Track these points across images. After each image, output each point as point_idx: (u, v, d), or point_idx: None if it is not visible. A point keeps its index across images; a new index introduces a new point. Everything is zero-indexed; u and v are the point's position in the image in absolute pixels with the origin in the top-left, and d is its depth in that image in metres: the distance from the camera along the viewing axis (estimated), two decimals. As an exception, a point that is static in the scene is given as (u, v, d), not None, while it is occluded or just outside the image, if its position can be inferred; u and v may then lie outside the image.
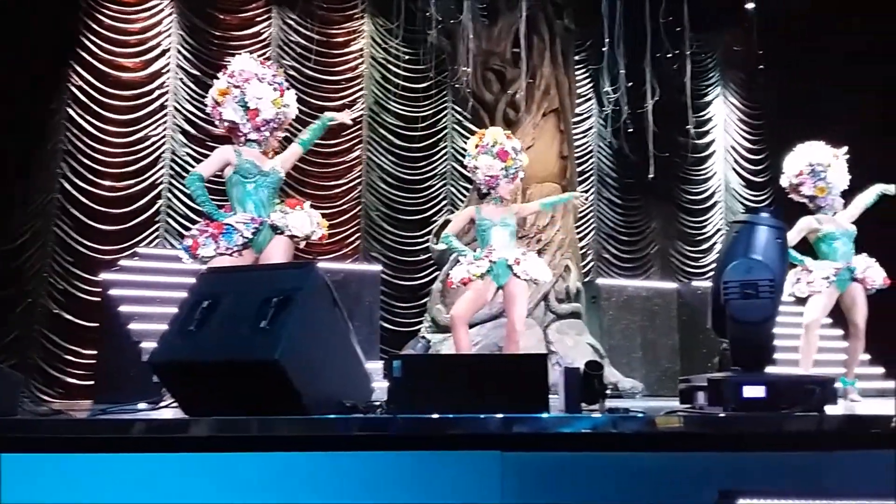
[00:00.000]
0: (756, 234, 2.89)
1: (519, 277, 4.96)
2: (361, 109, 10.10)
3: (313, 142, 4.66)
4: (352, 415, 2.55)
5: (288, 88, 4.46)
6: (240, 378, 2.63)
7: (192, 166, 8.85)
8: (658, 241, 11.57)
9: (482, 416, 2.45)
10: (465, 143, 5.88)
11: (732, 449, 2.55)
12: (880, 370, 8.05)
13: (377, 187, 10.14)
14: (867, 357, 7.67)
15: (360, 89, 10.17)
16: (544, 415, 2.56)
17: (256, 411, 2.48)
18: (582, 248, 10.42)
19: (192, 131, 9.24)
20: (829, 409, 2.75)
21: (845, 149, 5.71)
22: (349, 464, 2.38)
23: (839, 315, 8.72)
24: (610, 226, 11.34)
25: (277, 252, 4.20)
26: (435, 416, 2.48)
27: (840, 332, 8.97)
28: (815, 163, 5.54)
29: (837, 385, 4.99)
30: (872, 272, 5.47)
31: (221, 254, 4.12)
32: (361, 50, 10.25)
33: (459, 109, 10.14)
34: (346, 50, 10.22)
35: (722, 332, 2.92)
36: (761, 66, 10.84)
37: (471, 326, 7.37)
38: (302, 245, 4.34)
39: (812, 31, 10.24)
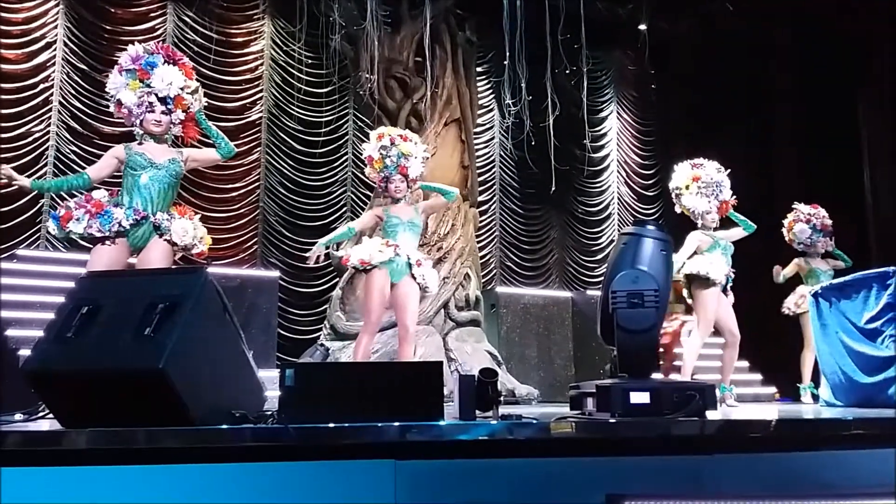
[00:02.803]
0: (642, 246, 3.00)
1: (414, 279, 4.95)
2: (260, 112, 9.90)
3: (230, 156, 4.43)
4: (241, 425, 2.48)
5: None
6: (122, 388, 2.52)
7: (79, 165, 8.47)
8: (557, 250, 11.86)
9: (377, 424, 2.43)
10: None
11: (619, 453, 2.63)
12: (758, 377, 8.51)
13: (276, 192, 9.95)
14: (746, 364, 8.11)
15: (260, 91, 9.97)
16: (439, 422, 2.57)
17: (141, 422, 2.38)
18: (484, 256, 10.57)
19: (79, 128, 8.81)
20: (710, 415, 2.87)
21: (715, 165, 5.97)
22: (240, 476, 2.32)
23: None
24: (511, 235, 11.54)
25: (156, 254, 4.00)
26: (329, 425, 2.44)
27: (722, 339, 9.48)
28: (704, 178, 5.81)
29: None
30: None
31: (91, 234, 3.92)
32: (261, 51, 10.05)
33: (361, 116, 10.10)
34: (246, 51, 10.00)
35: (610, 340, 3.02)
36: (653, 86, 11.32)
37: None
38: (177, 256, 4.17)
39: (700, 53, 10.79)
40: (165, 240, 4.04)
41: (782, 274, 7.14)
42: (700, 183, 5.79)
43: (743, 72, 10.38)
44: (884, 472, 2.71)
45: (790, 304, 7.14)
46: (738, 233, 5.89)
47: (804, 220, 7.10)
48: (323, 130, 10.23)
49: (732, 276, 5.78)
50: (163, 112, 4.17)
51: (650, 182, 12.41)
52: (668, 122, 11.56)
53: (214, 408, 2.53)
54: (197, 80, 4.37)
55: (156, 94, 4.14)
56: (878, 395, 4.57)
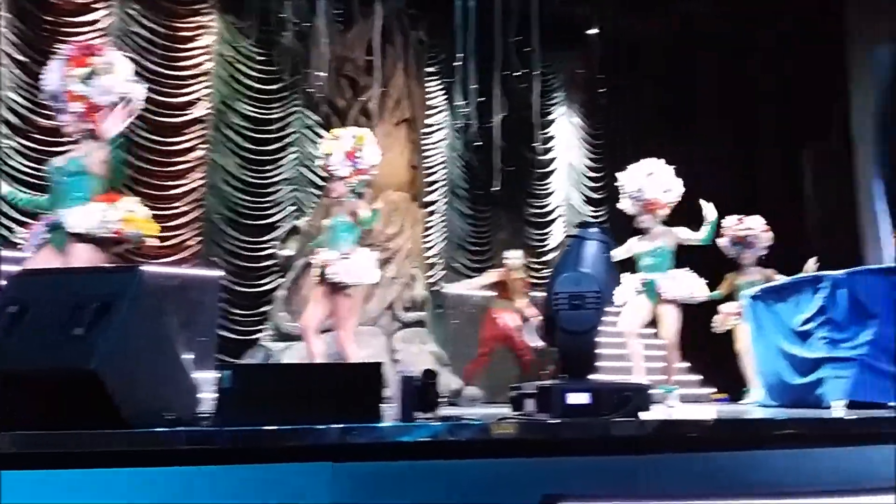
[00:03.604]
0: (585, 248, 3.04)
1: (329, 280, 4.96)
2: (207, 108, 9.72)
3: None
4: (175, 427, 2.43)
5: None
6: (52, 389, 2.44)
7: (17, 161, 8.19)
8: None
9: (315, 426, 2.41)
10: (315, 148, 5.82)
11: (558, 454, 2.65)
12: (698, 377, 8.68)
13: (221, 189, 9.78)
14: (687, 365, 8.26)
15: (207, 87, 9.79)
16: (377, 424, 2.56)
17: (72, 425, 2.31)
18: (431, 257, 10.57)
19: (18, 123, 8.52)
20: (648, 415, 2.92)
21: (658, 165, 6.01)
22: (173, 480, 2.27)
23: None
24: (459, 235, 11.56)
25: (75, 254, 3.81)
26: (266, 427, 2.41)
27: (663, 340, 9.66)
28: (625, 181, 5.89)
29: (658, 392, 5.38)
30: (670, 285, 5.70)
31: (25, 254, 3.89)
32: (209, 46, 9.87)
33: (310, 114, 10.00)
34: (192, 45, 9.80)
35: (552, 341, 3.04)
36: (602, 90, 11.48)
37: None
38: (116, 249, 4.00)
39: (650, 59, 10.99)
40: (73, 235, 3.85)
41: (717, 291, 7.16)
42: (625, 186, 5.89)
43: (713, 72, 10.56)
44: (814, 470, 2.79)
45: (716, 322, 7.23)
46: (685, 235, 5.85)
47: (724, 235, 7.13)
48: (270, 128, 10.10)
49: (667, 278, 5.73)
50: (59, 111, 3.99)
51: (598, 185, 12.57)
52: (619, 126, 11.72)
53: (148, 410, 2.47)
54: (143, 74, 4.21)
55: (50, 96, 3.98)
56: (809, 396, 4.70)
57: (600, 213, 12.36)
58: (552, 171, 12.36)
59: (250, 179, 9.95)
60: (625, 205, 5.95)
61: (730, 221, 7.15)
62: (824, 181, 10.41)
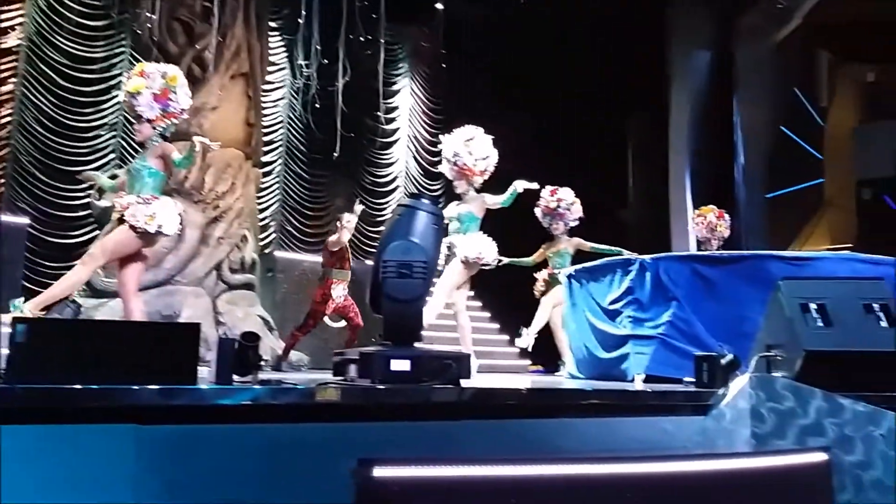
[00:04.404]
0: (416, 219, 3.06)
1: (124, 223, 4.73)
2: (19, 38, 8.80)
3: None
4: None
5: None
6: None
7: None
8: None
9: (120, 386, 2.27)
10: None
11: (377, 419, 2.67)
12: (516, 350, 9.08)
13: (32, 129, 8.89)
14: (506, 338, 8.64)
15: (20, 14, 8.84)
16: (193, 386, 2.45)
17: None
18: (264, 219, 10.26)
19: None
20: (467, 383, 3.01)
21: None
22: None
23: (490, 298, 9.73)
24: (295, 199, 11.30)
25: None
26: (65, 386, 2.24)
27: (488, 314, 10.04)
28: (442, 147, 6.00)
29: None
30: (463, 245, 5.85)
31: None
32: (24, -29, 8.92)
33: (139, 57, 9.32)
34: (5, -33, 8.82)
35: (378, 308, 3.05)
36: (444, 65, 11.60)
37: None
38: None
39: (491, 36, 11.22)
40: None
41: (530, 259, 7.57)
42: (444, 150, 6.01)
43: (547, 51, 10.88)
44: (617, 438, 3.00)
45: (536, 288, 7.61)
46: (490, 200, 5.96)
47: (538, 206, 7.51)
48: (93, 67, 9.31)
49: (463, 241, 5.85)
50: None
51: (437, 158, 12.71)
52: (457, 101, 11.90)
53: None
54: None
55: None
56: (614, 370, 5.06)
57: (438, 185, 12.55)
58: (394, 141, 12.37)
59: (66, 121, 9.14)
60: (444, 169, 6.09)
61: (544, 193, 7.48)
62: (644, 159, 11.27)
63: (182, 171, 6.86)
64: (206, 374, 2.77)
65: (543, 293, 7.49)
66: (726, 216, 8.01)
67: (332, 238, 6.76)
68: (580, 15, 10.49)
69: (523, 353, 8.67)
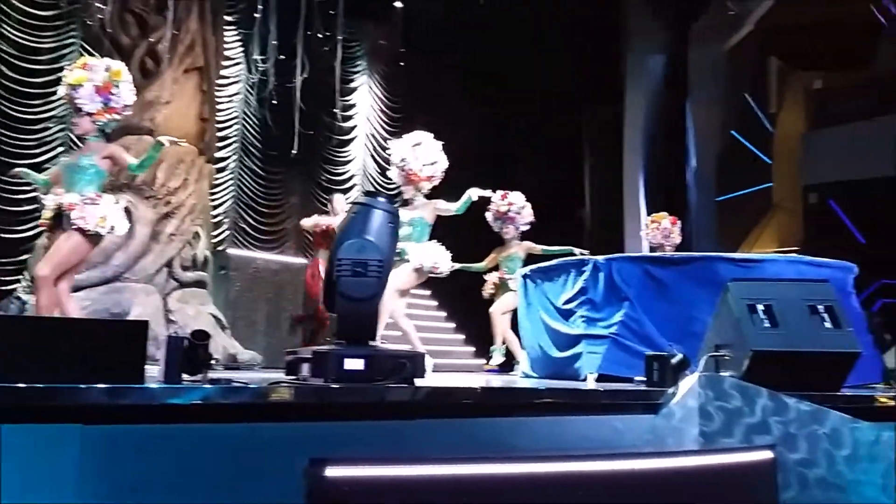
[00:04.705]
0: (371, 217, 3.04)
1: (73, 225, 4.55)
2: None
3: None
4: None
5: None
6: None
7: None
8: (296, 216, 11.68)
9: (62, 385, 2.22)
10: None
11: (330, 419, 2.65)
12: (471, 349, 9.12)
13: (-26, 120, 8.64)
14: (462, 337, 8.67)
15: (-36, 4, 8.57)
16: (141, 385, 2.40)
17: None
18: (217, 216, 10.11)
19: None
20: (421, 382, 3.00)
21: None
22: None
23: (446, 297, 9.74)
24: (249, 196, 11.15)
25: None
26: (9, 385, 2.18)
27: (444, 313, 10.05)
28: (403, 155, 5.95)
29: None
30: (418, 254, 5.81)
31: None
32: (-32, -43, 8.64)
33: (90, 49, 9.10)
34: (-54, -48, 8.53)
35: (332, 307, 3.03)
36: (402, 63, 11.58)
37: (79, 289, 6.77)
38: None
39: (450, 36, 11.24)
40: None
41: (482, 264, 7.56)
42: (393, 156, 5.99)
43: (507, 52, 10.93)
44: (569, 436, 3.03)
45: (484, 290, 7.59)
46: (443, 206, 5.93)
47: (489, 210, 7.47)
48: (41, 58, 9.06)
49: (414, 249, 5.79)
50: None
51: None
52: (415, 99, 11.88)
53: None
54: None
55: None
56: (567, 369, 5.11)
57: (395, 185, 12.52)
58: (351, 139, 12.30)
59: (14, 113, 8.86)
60: (392, 174, 6.05)
61: (495, 197, 7.44)
62: (600, 159, 11.43)
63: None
64: (155, 372, 2.73)
65: (493, 295, 7.49)
66: (679, 223, 8.15)
67: (307, 222, 6.73)
68: (538, 16, 10.57)
69: (479, 352, 8.71)
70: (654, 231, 8.07)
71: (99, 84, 4.79)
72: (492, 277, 7.52)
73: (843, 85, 11.88)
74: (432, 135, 6.04)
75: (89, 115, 4.80)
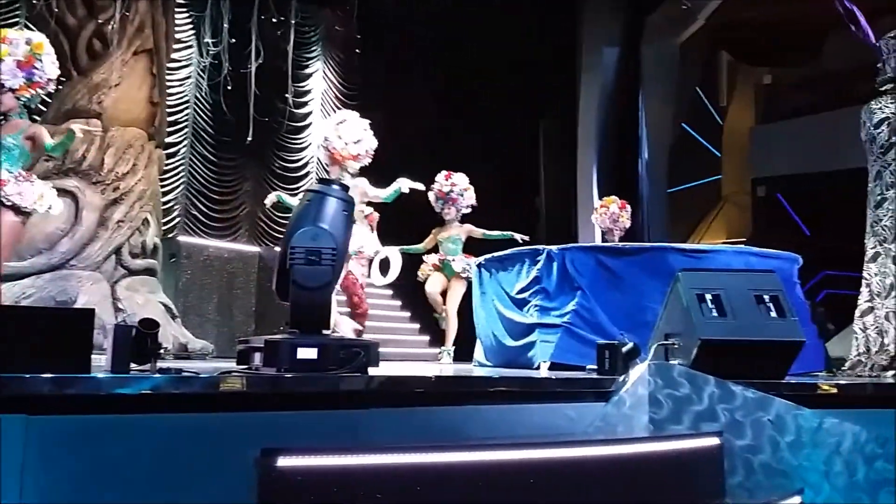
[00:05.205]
0: (325, 205, 3.02)
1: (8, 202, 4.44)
2: None
3: None
4: None
5: None
6: None
7: None
8: (249, 203, 11.52)
9: (7, 375, 2.16)
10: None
11: (283, 408, 2.63)
12: (426, 338, 9.12)
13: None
14: (417, 326, 8.65)
15: None
16: (85, 375, 2.35)
17: None
18: (167, 202, 9.91)
19: None
20: (375, 371, 2.99)
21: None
22: None
23: (401, 287, 9.73)
24: (201, 182, 10.95)
25: None
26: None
27: (399, 302, 10.05)
28: (327, 133, 5.87)
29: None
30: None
31: None
32: None
33: (34, 28, 8.81)
34: None
35: (285, 295, 3.00)
36: (358, 50, 11.47)
37: (24, 277, 6.59)
38: None
39: (403, 25, 11.17)
40: None
41: (421, 245, 7.48)
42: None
43: (463, 44, 10.90)
44: (522, 424, 3.06)
45: (420, 272, 7.44)
46: (372, 192, 5.85)
47: (431, 190, 7.33)
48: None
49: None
50: None
51: (349, 145, 12.58)
52: (370, 87, 11.79)
53: None
54: None
55: None
56: (521, 357, 5.15)
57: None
58: (306, 126, 12.15)
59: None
60: (320, 154, 5.91)
61: (438, 177, 7.40)
62: (555, 149, 11.53)
63: (79, 150, 6.61)
64: (102, 362, 2.67)
65: (427, 278, 7.36)
66: (628, 207, 8.23)
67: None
68: (496, 4, 10.57)
69: (434, 341, 8.70)
70: (603, 216, 8.14)
71: (20, 58, 4.62)
72: (431, 259, 7.38)
73: (792, 80, 12.18)
74: (358, 113, 5.90)
75: (12, 90, 4.64)
